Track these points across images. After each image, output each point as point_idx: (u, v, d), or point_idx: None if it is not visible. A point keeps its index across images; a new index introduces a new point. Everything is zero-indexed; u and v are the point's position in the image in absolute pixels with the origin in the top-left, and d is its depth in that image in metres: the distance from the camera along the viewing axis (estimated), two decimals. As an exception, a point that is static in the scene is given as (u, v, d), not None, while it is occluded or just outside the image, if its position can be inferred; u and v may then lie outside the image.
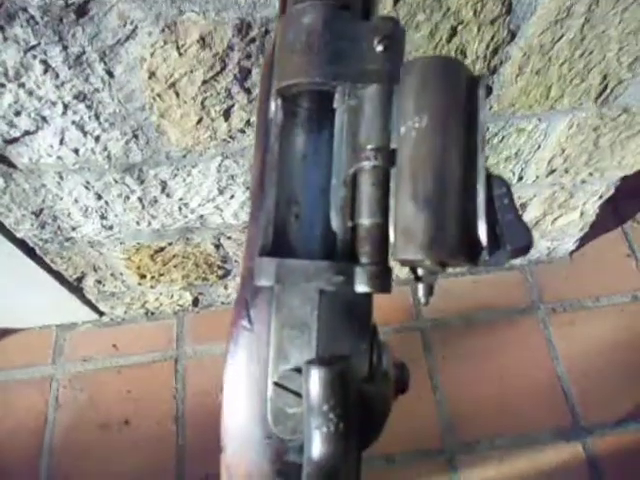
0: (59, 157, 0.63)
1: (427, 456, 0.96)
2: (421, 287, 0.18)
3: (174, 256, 0.88)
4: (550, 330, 1.06)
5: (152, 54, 0.52)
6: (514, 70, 0.62)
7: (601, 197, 0.93)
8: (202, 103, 0.59)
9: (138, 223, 0.78)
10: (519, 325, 1.07)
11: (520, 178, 0.83)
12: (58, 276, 0.90)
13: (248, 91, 0.59)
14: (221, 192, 0.73)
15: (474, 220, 0.17)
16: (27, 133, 0.59)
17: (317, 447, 0.17)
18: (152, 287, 0.97)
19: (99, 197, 0.71)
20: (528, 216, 0.95)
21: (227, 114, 0.61)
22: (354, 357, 0.18)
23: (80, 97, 0.56)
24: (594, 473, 0.93)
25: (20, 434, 0.98)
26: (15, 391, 1.01)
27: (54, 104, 0.56)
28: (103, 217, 0.75)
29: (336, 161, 0.20)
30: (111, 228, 0.78)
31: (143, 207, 0.74)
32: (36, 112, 0.57)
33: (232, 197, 0.75)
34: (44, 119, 0.58)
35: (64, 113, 0.58)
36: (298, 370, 0.18)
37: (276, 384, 0.18)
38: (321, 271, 0.19)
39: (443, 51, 0.58)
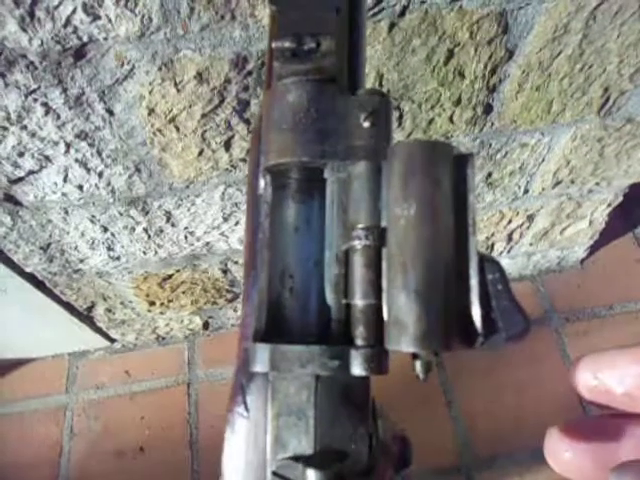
0: (64, 194, 0.64)
1: (444, 474, 0.94)
2: (419, 364, 0.18)
3: (182, 282, 0.88)
4: (564, 340, 1.05)
5: (150, 92, 0.53)
6: (514, 87, 0.62)
7: (609, 205, 0.92)
8: (202, 135, 0.59)
9: (145, 253, 0.78)
10: (533, 336, 1.05)
11: (526, 191, 0.82)
12: (68, 306, 0.90)
13: (247, 121, 0.59)
14: (226, 219, 0.74)
15: (468, 306, 0.17)
16: (31, 172, 0.60)
17: None
18: (162, 313, 0.97)
19: (105, 230, 0.72)
20: (536, 227, 0.94)
21: (228, 145, 0.61)
22: (353, 444, 0.18)
23: (82, 136, 0.57)
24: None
25: (37, 465, 0.98)
26: (31, 421, 1.02)
27: (56, 144, 0.57)
28: (110, 249, 0.76)
29: (328, 234, 0.20)
30: (118, 259, 0.78)
31: (149, 237, 0.75)
32: (39, 152, 0.57)
33: (237, 224, 0.75)
34: (47, 158, 0.59)
35: (67, 152, 0.58)
36: (297, 459, 0.18)
37: (275, 474, 0.18)
38: (316, 356, 0.18)
39: (440, 73, 0.58)
